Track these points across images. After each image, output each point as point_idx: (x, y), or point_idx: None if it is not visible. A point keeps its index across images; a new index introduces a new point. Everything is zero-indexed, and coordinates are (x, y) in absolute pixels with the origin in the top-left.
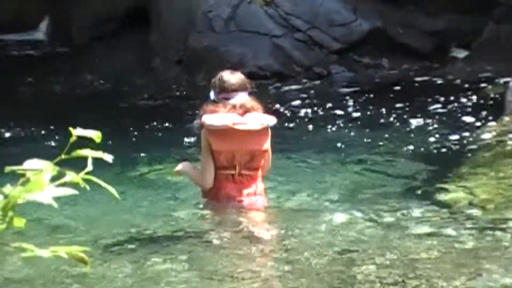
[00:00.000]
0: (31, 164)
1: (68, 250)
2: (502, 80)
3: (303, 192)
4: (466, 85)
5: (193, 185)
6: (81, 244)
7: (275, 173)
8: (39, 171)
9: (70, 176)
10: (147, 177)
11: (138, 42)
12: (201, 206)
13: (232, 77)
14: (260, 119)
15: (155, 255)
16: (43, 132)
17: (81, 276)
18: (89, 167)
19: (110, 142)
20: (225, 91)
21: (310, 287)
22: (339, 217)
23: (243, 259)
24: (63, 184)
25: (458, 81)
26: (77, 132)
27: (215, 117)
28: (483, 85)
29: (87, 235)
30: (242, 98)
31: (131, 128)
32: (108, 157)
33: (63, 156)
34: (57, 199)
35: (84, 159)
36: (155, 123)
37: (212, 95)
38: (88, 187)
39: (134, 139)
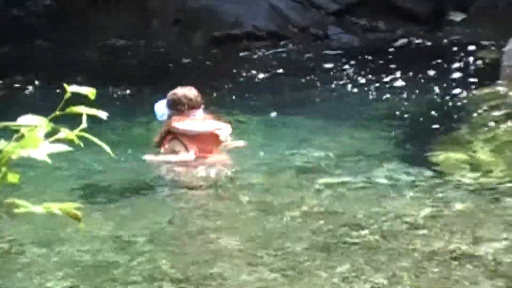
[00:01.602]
0: (25, 120)
1: (61, 206)
2: (498, 45)
3: (296, 152)
4: (462, 49)
5: None
6: (75, 201)
7: (262, 134)
8: (33, 127)
9: (65, 132)
10: (142, 136)
11: (136, 3)
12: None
13: (196, 95)
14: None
15: (149, 211)
16: (41, 90)
17: (74, 233)
18: (84, 124)
19: (105, 101)
20: (194, 108)
21: (296, 247)
22: (331, 178)
23: (222, 215)
24: (58, 141)
25: (454, 44)
26: (72, 88)
27: (193, 124)
28: (479, 49)
29: (81, 193)
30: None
31: (126, 89)
32: (103, 114)
33: (57, 113)
34: (52, 156)
35: (81, 116)
36: (151, 84)
37: (168, 111)
38: (82, 144)
39: (129, 99)
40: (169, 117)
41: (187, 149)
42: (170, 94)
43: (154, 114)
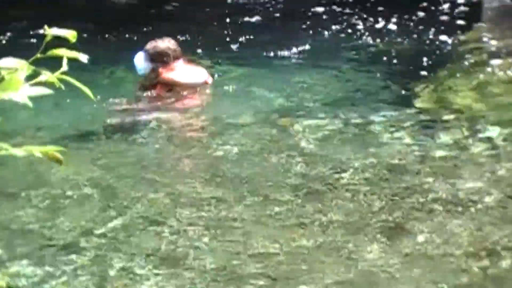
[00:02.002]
0: (5, 62)
1: (43, 149)
2: None
3: (281, 95)
4: None
5: None
6: (58, 144)
7: (247, 78)
8: (13, 69)
9: (46, 75)
10: (122, 79)
11: None
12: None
13: (176, 45)
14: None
15: (129, 153)
16: (20, 33)
17: (54, 175)
18: (64, 67)
19: (88, 44)
20: (178, 58)
21: (279, 192)
22: (314, 121)
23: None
24: (39, 84)
25: None
26: (52, 31)
27: (188, 76)
28: None
29: (64, 136)
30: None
31: (111, 31)
32: (84, 57)
33: (38, 55)
34: (33, 99)
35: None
36: (135, 26)
37: (150, 64)
38: (63, 87)
39: (113, 42)
40: (153, 69)
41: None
42: (151, 47)
43: (134, 68)
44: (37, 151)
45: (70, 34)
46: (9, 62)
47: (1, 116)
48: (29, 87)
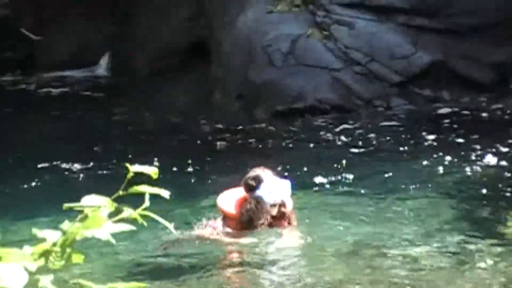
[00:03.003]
0: (89, 200)
1: (126, 286)
2: None
3: (359, 226)
4: None
5: None
6: (139, 280)
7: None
8: (96, 207)
9: (128, 212)
10: (203, 212)
11: (199, 76)
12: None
13: None
14: None
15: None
16: (103, 168)
17: None
18: (147, 203)
19: (168, 177)
20: None
21: None
22: (399, 251)
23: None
24: (121, 220)
25: None
26: (134, 168)
27: None
28: None
29: (146, 272)
30: None
31: (190, 164)
32: (165, 193)
33: (120, 193)
34: (115, 235)
35: (142, 194)
36: (215, 159)
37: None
38: (145, 223)
39: (192, 175)
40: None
41: None
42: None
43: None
44: (120, 287)
45: (152, 171)
46: (92, 200)
47: (83, 253)
48: (111, 223)
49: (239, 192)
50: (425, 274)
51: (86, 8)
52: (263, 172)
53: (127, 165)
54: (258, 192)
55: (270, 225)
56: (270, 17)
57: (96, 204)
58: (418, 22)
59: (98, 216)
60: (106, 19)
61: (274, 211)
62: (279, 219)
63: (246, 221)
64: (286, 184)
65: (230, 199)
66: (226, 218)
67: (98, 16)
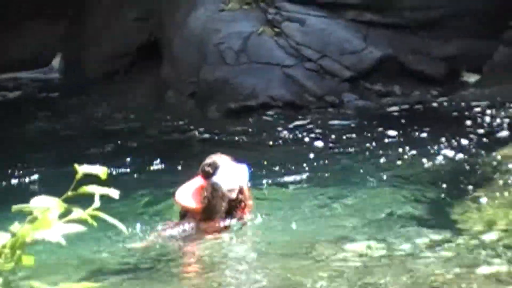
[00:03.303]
0: (38, 202)
1: (77, 287)
2: None
3: (315, 220)
4: (477, 109)
5: None
6: (92, 281)
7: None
8: (46, 208)
9: (77, 212)
10: (154, 212)
11: (151, 76)
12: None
13: None
14: None
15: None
16: (54, 169)
17: None
18: (97, 203)
19: (120, 178)
20: None
21: None
22: (353, 245)
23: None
24: (72, 221)
25: (470, 106)
26: (83, 168)
27: None
28: (495, 109)
29: (97, 272)
30: None
31: (142, 164)
32: (115, 193)
33: (69, 193)
34: (65, 235)
35: (92, 195)
36: (167, 159)
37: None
38: (95, 224)
39: (144, 175)
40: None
41: None
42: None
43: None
44: None
45: (101, 172)
46: (41, 201)
47: (36, 254)
48: (61, 225)
49: (195, 183)
50: (375, 266)
51: (38, 9)
52: (219, 158)
53: (76, 165)
54: (215, 178)
55: (228, 213)
56: (222, 15)
57: (46, 206)
58: (368, 18)
59: (47, 218)
60: (58, 20)
61: (234, 195)
62: (237, 207)
63: (206, 209)
64: (243, 168)
65: (187, 193)
66: (189, 212)
67: (50, 16)
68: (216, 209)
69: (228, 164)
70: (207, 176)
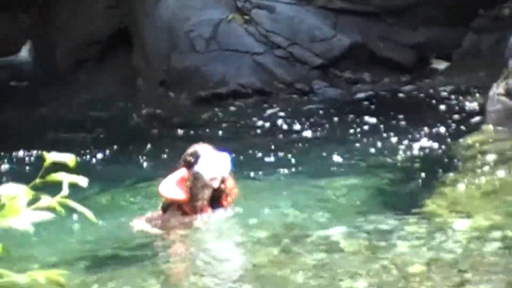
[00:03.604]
0: (5, 189)
1: (45, 274)
2: (482, 90)
3: (286, 209)
4: (447, 96)
5: None
6: (58, 267)
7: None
8: (14, 196)
9: (46, 200)
10: (123, 200)
11: (122, 64)
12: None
13: None
14: None
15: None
16: (24, 158)
17: None
18: (65, 191)
19: (90, 166)
20: None
21: None
22: (323, 232)
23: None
24: (40, 208)
25: (439, 92)
26: (51, 156)
27: None
28: (464, 95)
29: (63, 259)
30: None
31: (113, 152)
32: (83, 181)
33: (37, 181)
34: (38, 223)
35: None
36: (137, 146)
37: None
38: (63, 211)
39: (114, 163)
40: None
41: None
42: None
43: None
44: (40, 276)
45: (69, 159)
46: (9, 188)
47: (5, 242)
48: (30, 212)
49: (178, 174)
50: (344, 256)
51: None
52: (200, 147)
53: (44, 153)
54: (196, 168)
55: (212, 203)
56: (192, 3)
57: (13, 193)
58: (337, 5)
59: (15, 205)
60: (28, 8)
61: (216, 184)
62: (220, 196)
63: (189, 199)
64: (225, 157)
65: (171, 185)
66: (173, 204)
67: (20, 5)
68: (198, 198)
69: (209, 153)
70: (189, 165)
